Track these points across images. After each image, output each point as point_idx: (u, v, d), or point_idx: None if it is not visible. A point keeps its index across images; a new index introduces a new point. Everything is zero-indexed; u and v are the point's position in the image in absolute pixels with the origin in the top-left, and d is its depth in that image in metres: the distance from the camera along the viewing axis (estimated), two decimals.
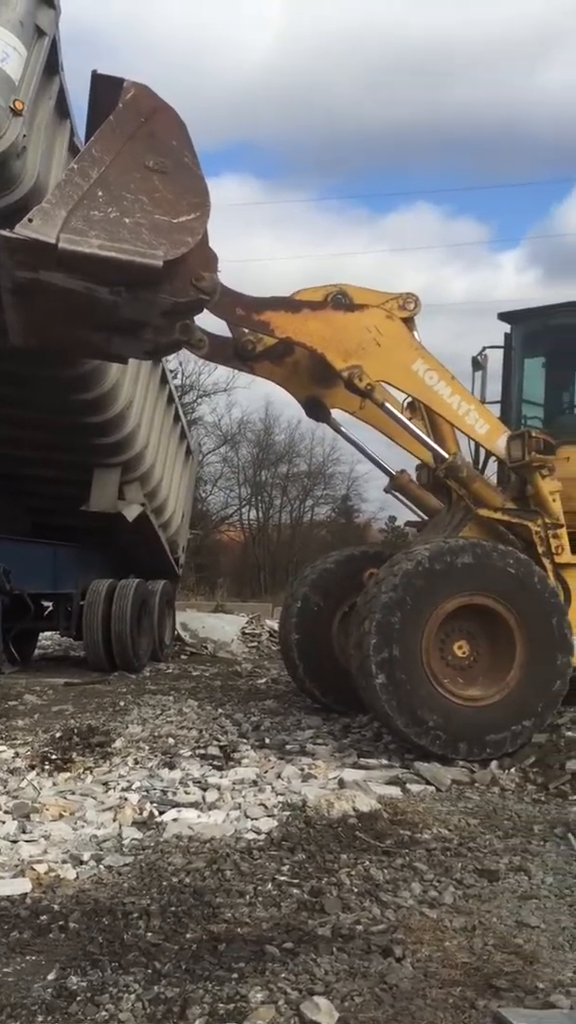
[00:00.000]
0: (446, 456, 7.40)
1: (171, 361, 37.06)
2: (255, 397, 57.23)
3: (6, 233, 5.68)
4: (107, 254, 5.68)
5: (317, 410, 8.10)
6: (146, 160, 6.05)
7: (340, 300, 7.27)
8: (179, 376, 38.04)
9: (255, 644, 16.20)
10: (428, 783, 6.05)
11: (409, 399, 7.82)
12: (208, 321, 7.08)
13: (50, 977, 3.19)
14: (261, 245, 61.07)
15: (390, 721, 6.56)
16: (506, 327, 9.06)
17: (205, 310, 6.71)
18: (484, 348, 8.74)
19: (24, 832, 4.89)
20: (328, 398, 7.94)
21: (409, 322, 7.39)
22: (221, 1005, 3.00)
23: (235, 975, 3.22)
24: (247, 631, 16.87)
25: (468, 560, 6.65)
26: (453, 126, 79.64)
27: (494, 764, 6.45)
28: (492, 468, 8.18)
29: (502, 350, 9.01)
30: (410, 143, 77.73)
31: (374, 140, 76.63)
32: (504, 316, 9.11)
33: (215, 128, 65.13)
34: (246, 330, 7.24)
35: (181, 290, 6.23)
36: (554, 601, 6.75)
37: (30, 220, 5.66)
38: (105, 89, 6.35)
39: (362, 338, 7.10)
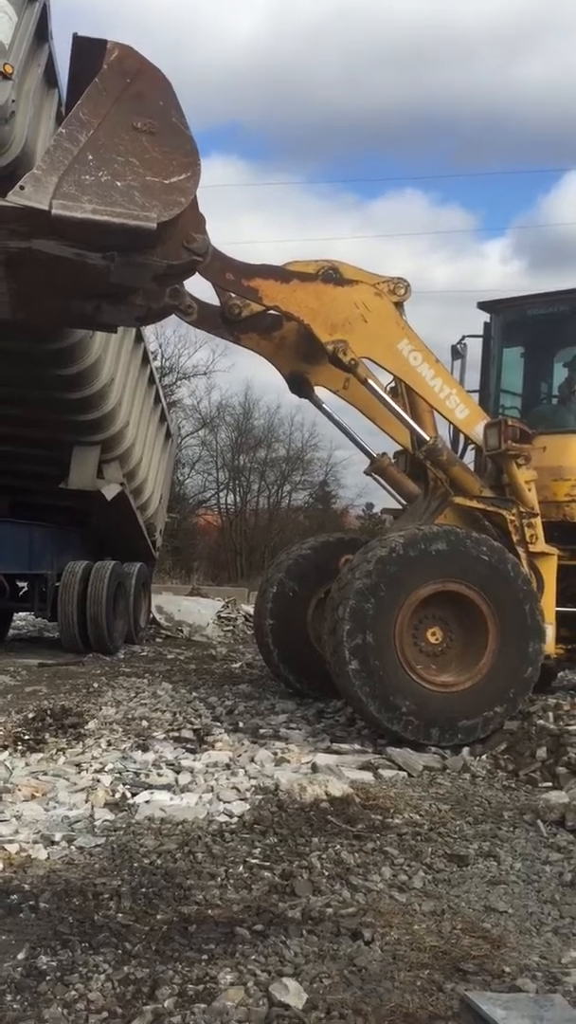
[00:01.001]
0: (427, 439, 7.42)
1: (151, 342, 36.91)
2: (235, 381, 57.25)
3: None
4: (100, 218, 5.63)
5: (301, 386, 8.09)
6: (134, 121, 5.98)
7: (331, 275, 7.27)
8: (159, 358, 37.83)
9: (230, 628, 16.23)
10: (400, 768, 6.09)
11: (392, 384, 7.82)
12: (196, 288, 7.06)
13: (20, 956, 3.18)
14: (248, 227, 60.67)
15: (363, 707, 6.59)
16: (486, 316, 9.07)
17: (195, 274, 6.67)
18: (463, 337, 8.77)
19: None
20: (312, 375, 7.93)
21: (398, 307, 7.40)
22: (191, 986, 3.01)
23: (205, 956, 3.24)
24: (223, 615, 16.90)
25: (442, 547, 6.68)
26: (441, 112, 79.51)
27: (466, 751, 6.51)
28: (470, 456, 8.21)
29: (481, 339, 9.02)
30: (399, 128, 77.58)
31: (363, 124, 76.47)
32: (483, 305, 9.12)
33: (203, 109, 64.53)
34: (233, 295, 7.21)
35: (173, 253, 6.18)
36: (527, 588, 6.80)
37: (21, 187, 5.60)
38: (87, 52, 6.25)
39: (349, 313, 7.10)
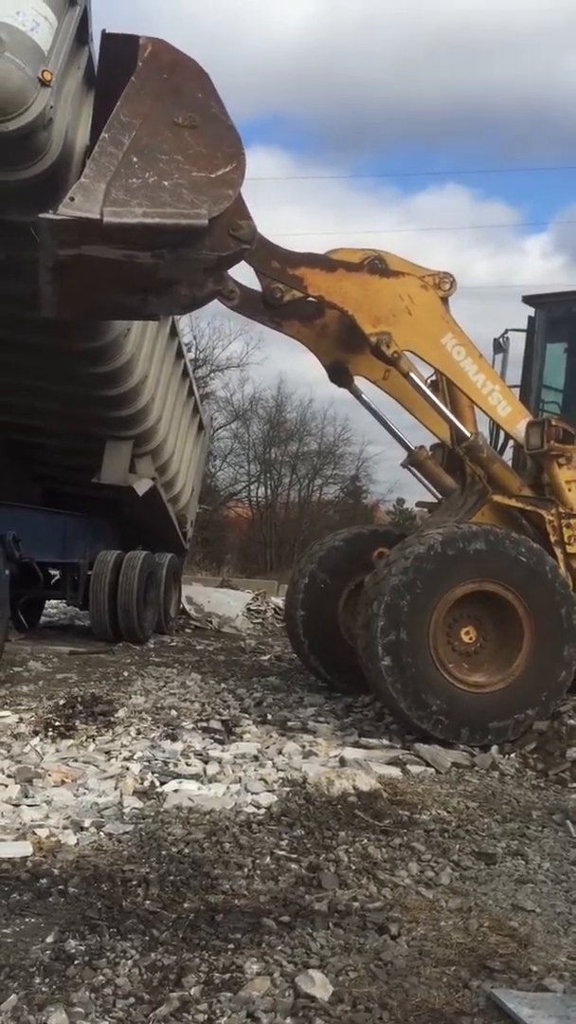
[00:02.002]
0: (467, 434, 7.37)
1: (186, 335, 36.99)
2: (268, 374, 57.12)
3: (51, 216, 5.62)
4: (152, 220, 5.64)
5: (340, 376, 8.05)
6: (175, 117, 5.97)
7: (377, 265, 7.19)
8: (192, 350, 37.96)
9: (259, 621, 16.25)
10: (428, 765, 6.07)
11: (432, 378, 7.78)
12: (237, 273, 7.06)
13: (49, 940, 3.22)
14: (291, 220, 60.57)
15: (394, 703, 6.57)
16: (530, 310, 8.98)
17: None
18: (507, 330, 8.67)
19: (26, 797, 4.93)
20: (353, 364, 7.88)
21: (443, 302, 7.34)
22: (217, 975, 3.03)
23: (231, 946, 3.25)
24: (252, 607, 16.91)
25: (480, 546, 6.63)
26: (486, 106, 78.70)
27: (494, 749, 6.47)
28: (508, 453, 8.14)
29: (525, 334, 8.93)
30: (442, 123, 76.88)
31: (406, 118, 75.75)
32: (529, 299, 9.02)
33: (247, 100, 64.47)
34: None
35: (221, 243, 6.16)
36: (564, 591, 6.73)
37: (71, 199, 5.61)
38: (118, 49, 6.24)
39: (394, 305, 7.05)
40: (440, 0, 79.34)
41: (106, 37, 6.39)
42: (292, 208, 64.44)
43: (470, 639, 6.80)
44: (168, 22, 70.35)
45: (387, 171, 75.37)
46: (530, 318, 8.94)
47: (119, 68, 6.15)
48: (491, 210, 73.65)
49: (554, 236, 74.23)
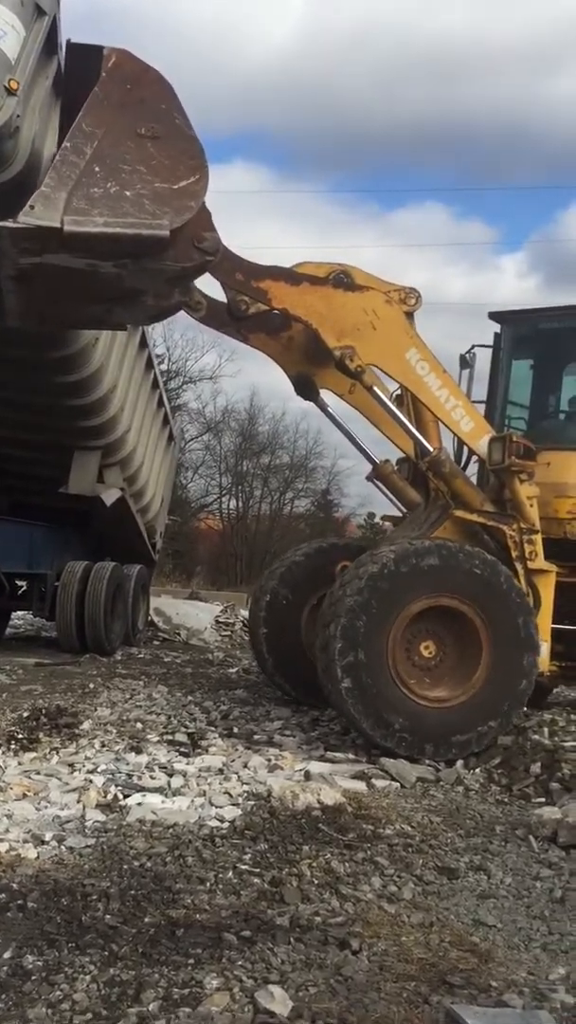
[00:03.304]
0: (431, 449, 7.41)
1: (159, 346, 36.94)
2: (241, 386, 57.39)
3: (10, 224, 5.59)
4: (113, 230, 5.62)
5: (306, 388, 8.07)
6: (138, 128, 5.95)
7: (342, 279, 7.24)
8: (166, 362, 37.92)
9: (228, 633, 16.22)
10: (393, 779, 6.07)
11: (397, 392, 7.82)
12: (205, 285, 7.07)
13: (6, 956, 3.18)
14: (270, 234, 60.96)
15: (356, 724, 6.57)
16: (496, 327, 9.06)
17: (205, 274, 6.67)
18: (473, 346, 8.73)
19: None
20: (319, 377, 7.90)
21: (408, 317, 7.39)
22: (176, 990, 3.01)
23: (192, 961, 3.23)
24: (221, 620, 16.88)
25: (434, 562, 6.64)
26: (464, 126, 79.65)
27: (460, 764, 6.49)
28: (473, 468, 8.20)
29: (491, 350, 9.01)
30: (423, 140, 77.71)
31: (387, 135, 76.58)
32: (494, 316, 9.10)
33: (227, 115, 65.03)
34: None
35: (185, 254, 6.15)
36: (520, 601, 6.76)
37: (31, 207, 5.58)
38: (83, 59, 6.23)
39: (358, 319, 7.08)
40: (423, 20, 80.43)
41: (71, 47, 6.37)
42: (273, 222, 64.90)
43: (430, 654, 6.82)
44: (153, 36, 70.65)
45: (367, 187, 76.05)
46: (496, 334, 9.03)
47: (84, 78, 6.14)
48: (469, 228, 74.55)
49: (529, 255, 75.28)
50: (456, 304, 56.36)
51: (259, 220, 60.70)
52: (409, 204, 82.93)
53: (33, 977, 3.03)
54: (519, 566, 7.10)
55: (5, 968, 3.08)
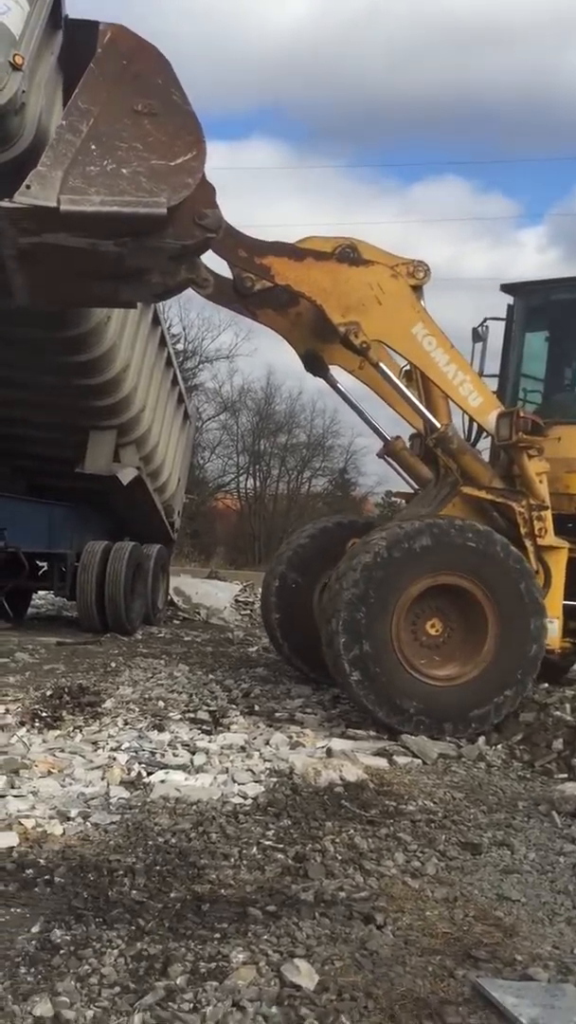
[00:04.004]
0: (438, 426, 7.35)
1: (175, 326, 36.91)
2: (257, 365, 57.34)
3: (6, 204, 5.56)
4: (110, 209, 5.58)
5: (315, 365, 7.98)
6: (134, 104, 5.89)
7: (347, 253, 7.13)
8: (181, 341, 37.91)
9: (247, 612, 16.27)
10: (415, 756, 6.08)
11: (407, 367, 7.76)
12: (213, 261, 7.02)
13: (34, 930, 3.21)
14: (290, 211, 60.54)
15: (372, 713, 6.55)
16: (509, 299, 8.94)
17: (209, 251, 6.63)
18: (485, 319, 8.61)
19: (12, 787, 4.91)
20: (328, 354, 7.79)
21: (417, 291, 7.30)
22: (203, 964, 3.03)
23: (217, 935, 3.25)
24: (240, 599, 16.95)
25: (426, 542, 6.57)
26: (483, 98, 78.71)
27: (481, 740, 6.49)
28: (486, 443, 8.13)
29: (504, 323, 8.90)
30: (443, 114, 76.99)
31: (406, 109, 75.90)
32: (507, 288, 8.97)
33: (247, 91, 64.58)
34: None
35: (186, 231, 6.10)
36: (520, 567, 6.68)
37: (28, 186, 5.55)
38: (80, 35, 6.17)
39: (364, 294, 7.00)
40: None
41: (67, 23, 6.30)
42: (293, 199, 64.54)
43: (436, 631, 6.78)
44: (168, 13, 70.02)
45: (387, 161, 75.32)
46: (509, 307, 8.88)
47: (82, 54, 6.08)
48: (489, 202, 73.78)
49: (550, 228, 74.41)
50: (476, 279, 55.94)
51: (279, 197, 60.43)
52: (428, 178, 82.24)
53: (61, 951, 3.06)
54: (529, 543, 7.04)
55: (34, 942, 3.12)
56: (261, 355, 62.34)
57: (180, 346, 36.56)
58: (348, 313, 6.97)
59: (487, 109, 79.47)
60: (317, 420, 44.66)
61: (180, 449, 15.57)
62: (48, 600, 15.25)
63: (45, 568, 12.87)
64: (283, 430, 44.84)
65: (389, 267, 7.18)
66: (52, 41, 7.41)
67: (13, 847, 4.01)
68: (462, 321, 7.34)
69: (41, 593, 14.33)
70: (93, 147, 5.71)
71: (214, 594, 16.44)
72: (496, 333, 8.70)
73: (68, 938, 3.16)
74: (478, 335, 8.46)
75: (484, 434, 7.72)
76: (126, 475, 12.03)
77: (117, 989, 2.85)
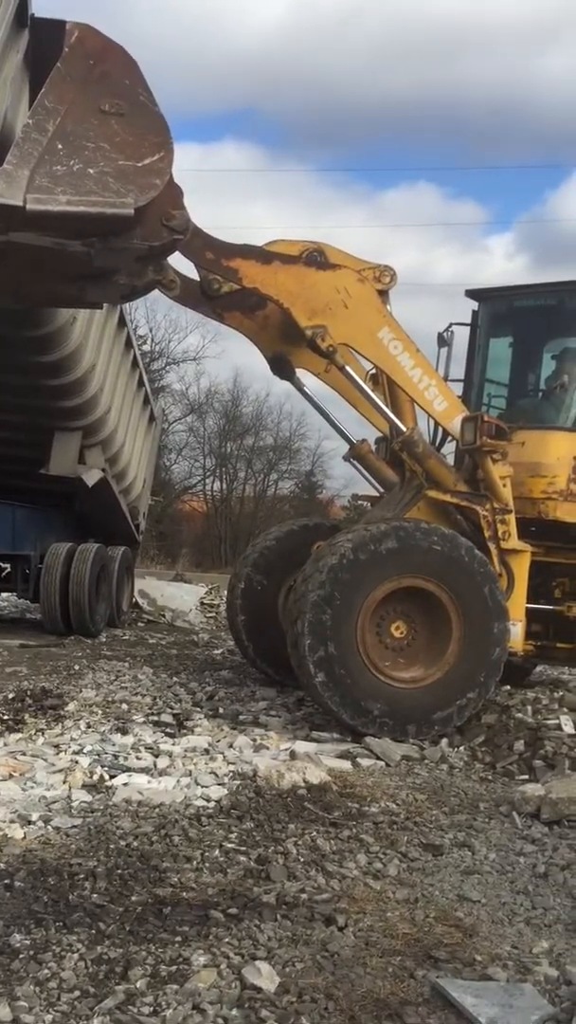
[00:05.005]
0: (403, 429, 7.40)
1: (141, 327, 36.75)
2: (224, 367, 57.11)
3: None
4: (77, 209, 5.55)
5: (282, 368, 8.00)
6: (101, 104, 5.86)
7: (315, 257, 7.19)
8: (148, 342, 37.70)
9: (213, 615, 16.22)
10: (378, 758, 6.11)
11: (373, 371, 7.80)
12: (180, 264, 7.01)
13: None
14: (260, 214, 60.51)
15: (336, 715, 6.58)
16: (474, 305, 9.04)
17: (177, 252, 6.62)
18: (450, 324, 8.70)
19: None
20: (295, 357, 7.82)
21: (383, 295, 7.35)
22: (164, 967, 3.03)
23: (179, 938, 3.25)
24: (205, 601, 16.89)
25: (392, 545, 6.62)
26: (457, 104, 79.35)
27: (444, 742, 6.54)
28: (450, 448, 8.19)
29: (469, 328, 8.98)
30: (414, 120, 77.36)
31: (379, 114, 76.36)
32: (471, 293, 9.07)
33: (217, 94, 64.46)
34: None
35: (153, 232, 6.08)
36: (484, 571, 6.75)
37: None
38: (46, 34, 6.14)
39: (330, 298, 7.03)
40: None
41: (34, 22, 6.27)
42: (263, 202, 64.58)
43: (401, 634, 6.83)
44: (143, 15, 69.79)
45: (359, 166, 75.68)
46: (474, 312, 8.99)
47: (48, 53, 6.05)
48: (461, 209, 74.29)
49: (518, 236, 75.10)
50: (444, 285, 56.35)
51: (249, 200, 60.47)
52: (401, 184, 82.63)
53: (21, 955, 3.04)
54: (492, 546, 7.10)
55: None
56: (228, 357, 62.41)
57: (147, 347, 36.36)
58: (315, 317, 6.99)
59: (460, 116, 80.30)
60: (284, 423, 44.68)
61: (146, 450, 15.51)
62: (11, 602, 15.12)
63: (8, 570, 12.74)
64: (250, 433, 44.79)
65: (356, 271, 7.22)
66: (18, 40, 7.35)
67: None
68: (431, 326, 7.41)
69: (4, 595, 14.20)
70: (60, 146, 5.67)
71: (179, 596, 16.37)
72: (461, 338, 8.81)
73: (28, 942, 3.14)
74: (443, 340, 8.54)
75: (449, 438, 7.78)
76: (91, 477, 11.96)
77: (77, 993, 2.83)
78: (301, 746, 6.27)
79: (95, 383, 11.21)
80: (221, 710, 7.45)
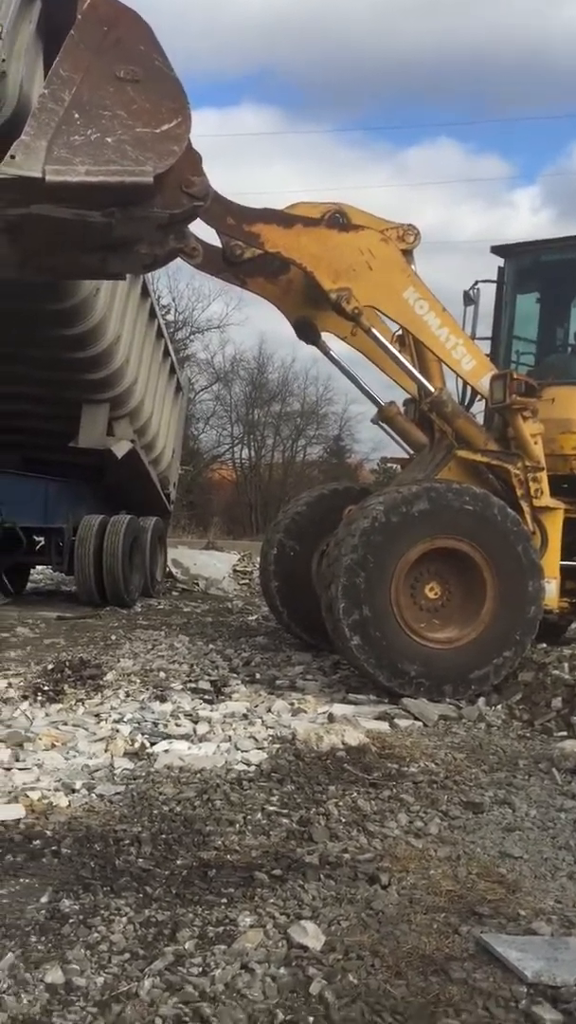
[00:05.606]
0: (432, 390, 7.33)
1: (164, 297, 36.63)
2: (249, 334, 56.93)
3: None
4: (96, 179, 5.51)
5: (308, 332, 7.94)
6: (117, 71, 5.79)
7: (337, 219, 7.10)
8: (172, 312, 37.65)
9: (246, 582, 16.32)
10: (416, 719, 6.13)
11: (399, 332, 7.72)
12: (201, 230, 6.97)
13: (43, 900, 3.25)
14: (280, 177, 59.90)
15: (372, 678, 6.60)
16: (501, 261, 8.89)
17: (198, 219, 6.57)
18: (476, 282, 8.59)
19: (17, 760, 4.94)
20: (320, 320, 7.76)
21: (407, 255, 7.25)
22: (211, 928, 3.07)
23: (224, 900, 3.29)
24: (238, 568, 16.98)
25: (424, 506, 6.58)
26: (476, 58, 77.57)
27: (481, 700, 6.54)
28: (480, 407, 8.12)
29: (495, 285, 8.85)
30: (432, 76, 75.93)
31: (397, 71, 74.98)
32: (497, 249, 8.92)
33: (235, 57, 63.59)
34: None
35: (173, 200, 6.04)
36: (517, 530, 6.70)
37: (12, 157, 5.48)
38: (58, 3, 6.07)
39: (354, 260, 6.95)
40: None
41: None
42: (283, 164, 63.90)
43: (435, 595, 6.82)
44: None
45: (379, 125, 74.39)
46: (500, 268, 8.85)
47: (61, 22, 5.98)
48: (484, 164, 72.99)
49: (543, 189, 73.74)
50: (469, 243, 55.53)
51: (268, 163, 59.78)
52: (422, 141, 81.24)
53: (71, 920, 3.10)
54: (525, 504, 7.06)
55: (43, 912, 3.16)
56: (253, 324, 62.11)
57: (170, 317, 36.33)
58: (339, 279, 6.92)
59: (481, 69, 78.61)
60: (311, 388, 44.57)
61: (174, 420, 15.53)
62: (46, 575, 15.29)
63: (42, 543, 12.87)
64: (277, 399, 44.74)
65: (379, 232, 7.13)
66: (30, 9, 7.27)
67: (20, 819, 4.05)
68: (456, 285, 7.31)
69: (39, 568, 14.35)
70: (76, 116, 5.63)
71: (212, 565, 16.48)
72: (488, 296, 8.68)
73: (76, 907, 3.20)
74: (469, 298, 8.43)
75: (478, 397, 7.71)
76: (120, 448, 12.01)
77: (127, 956, 2.88)
78: (339, 709, 6.30)
79: (121, 354, 11.22)
80: (258, 675, 7.51)
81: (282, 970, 2.82)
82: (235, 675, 7.51)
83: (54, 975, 2.73)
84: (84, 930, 3.03)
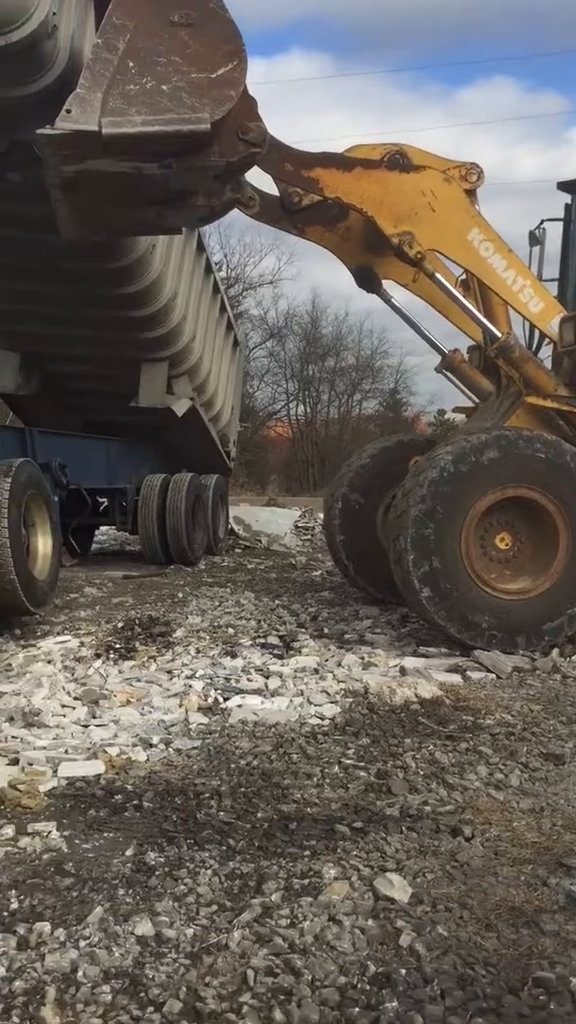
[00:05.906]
0: (498, 335, 7.13)
1: (216, 253, 36.39)
2: (302, 289, 56.21)
3: (48, 131, 5.42)
4: (152, 129, 5.41)
5: (368, 280, 7.78)
6: (170, 15, 5.67)
7: (397, 160, 6.88)
8: (223, 268, 37.37)
9: (308, 537, 16.29)
10: (489, 671, 6.06)
11: (463, 277, 7.51)
12: (257, 179, 6.83)
13: (128, 853, 3.28)
14: (332, 122, 58.77)
15: (443, 630, 6.51)
16: (567, 198, 8.57)
17: (254, 168, 6.43)
18: (542, 221, 8.29)
19: (94, 717, 5.02)
20: (380, 268, 7.59)
21: (470, 195, 7.02)
22: (296, 880, 3.07)
23: (307, 852, 3.29)
24: (300, 524, 16.95)
25: (494, 455, 6.42)
26: None
27: (555, 652, 6.44)
28: (546, 352, 7.88)
29: (562, 224, 8.54)
30: (484, 11, 73.53)
31: (447, 9, 72.64)
32: (564, 185, 8.57)
33: (281, 3, 62.12)
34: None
35: (230, 148, 5.91)
36: None
37: (68, 111, 5.39)
38: None
39: (416, 202, 6.77)
40: None
41: None
42: (336, 110, 62.77)
43: (506, 545, 6.68)
44: None
45: (431, 63, 72.34)
46: (567, 206, 8.52)
47: None
48: (541, 101, 70.63)
49: None
50: (529, 183, 53.99)
51: (321, 109, 58.62)
52: (476, 80, 78.84)
53: (157, 872, 3.12)
54: None
55: (129, 865, 3.19)
56: (305, 278, 61.46)
57: (223, 273, 36.05)
58: (400, 223, 6.74)
59: (534, 2, 75.59)
60: (365, 341, 44.09)
61: (232, 377, 15.46)
62: (111, 535, 15.45)
63: (106, 504, 12.98)
64: (331, 354, 44.30)
65: (441, 172, 6.91)
66: None
67: (100, 774, 4.09)
68: (516, 228, 7.04)
69: (103, 528, 14.50)
70: (131, 64, 5.52)
71: (274, 521, 16.47)
72: (555, 236, 8.38)
73: (162, 860, 3.22)
74: (535, 238, 8.15)
75: (546, 341, 7.48)
76: (181, 406, 12.01)
77: (214, 908, 2.89)
78: (410, 662, 6.25)
79: (178, 311, 11.16)
80: (326, 630, 7.49)
81: (370, 922, 2.81)
82: (303, 630, 7.50)
83: (144, 927, 2.75)
84: (171, 882, 3.05)
